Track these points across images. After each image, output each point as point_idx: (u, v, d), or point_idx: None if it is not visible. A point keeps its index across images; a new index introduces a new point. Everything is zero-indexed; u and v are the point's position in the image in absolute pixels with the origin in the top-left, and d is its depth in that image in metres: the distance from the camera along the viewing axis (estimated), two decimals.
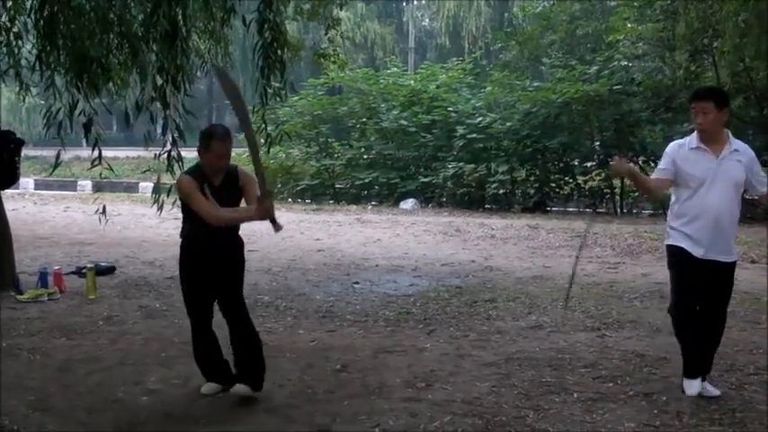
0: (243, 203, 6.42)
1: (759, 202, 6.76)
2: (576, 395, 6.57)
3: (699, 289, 6.44)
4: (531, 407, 6.35)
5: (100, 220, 7.06)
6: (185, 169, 6.47)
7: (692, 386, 6.46)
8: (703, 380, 6.54)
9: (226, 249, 6.41)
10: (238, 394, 6.39)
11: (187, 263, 6.53)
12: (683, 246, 6.40)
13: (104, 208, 6.81)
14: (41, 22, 6.71)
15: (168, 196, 6.25)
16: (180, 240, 6.56)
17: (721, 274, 6.43)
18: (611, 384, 6.84)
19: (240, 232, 6.59)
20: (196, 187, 6.28)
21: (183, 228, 6.50)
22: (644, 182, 6.96)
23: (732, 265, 6.53)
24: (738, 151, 6.32)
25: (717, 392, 6.50)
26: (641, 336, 8.60)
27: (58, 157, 5.80)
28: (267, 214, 6.18)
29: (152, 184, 6.31)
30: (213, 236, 6.34)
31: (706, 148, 6.30)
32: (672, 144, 6.62)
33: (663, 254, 14.59)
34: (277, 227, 6.27)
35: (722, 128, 6.37)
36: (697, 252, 6.32)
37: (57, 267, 11.41)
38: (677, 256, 6.48)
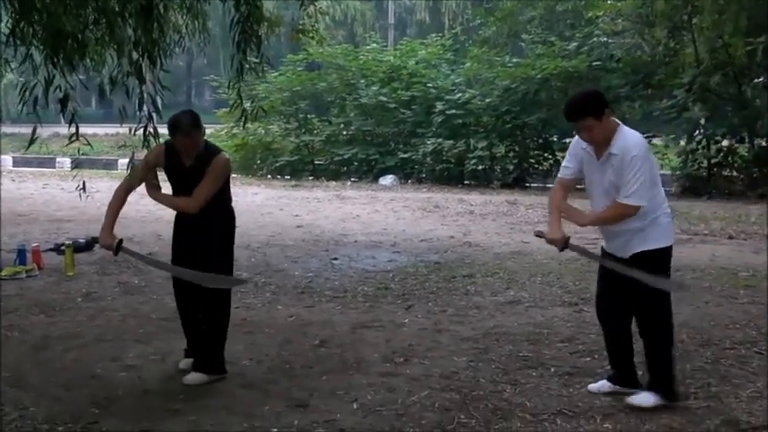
0: None
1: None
2: (553, 369, 6.62)
3: (610, 285, 6.12)
4: (509, 381, 6.39)
5: (80, 196, 7.04)
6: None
7: (595, 384, 6.20)
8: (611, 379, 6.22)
9: (189, 222, 6.45)
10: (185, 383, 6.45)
11: None
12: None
13: (84, 184, 6.77)
14: None
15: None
16: None
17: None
18: (588, 359, 6.89)
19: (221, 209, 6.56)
20: (152, 159, 6.39)
21: None
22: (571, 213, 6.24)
23: (633, 258, 5.92)
24: (615, 155, 5.73)
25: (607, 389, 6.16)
26: None
27: (33, 132, 5.76)
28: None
29: (126, 161, 6.29)
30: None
31: (591, 151, 5.90)
32: (574, 140, 6.17)
33: None
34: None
35: (607, 130, 5.82)
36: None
37: (35, 244, 11.38)
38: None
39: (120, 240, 6.44)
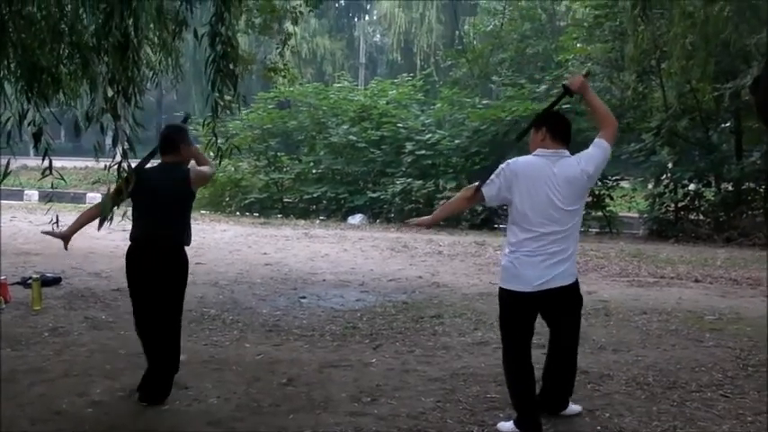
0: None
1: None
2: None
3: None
4: (476, 422, 6.40)
5: (53, 230, 7.02)
6: None
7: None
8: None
9: None
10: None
11: None
12: None
13: (57, 218, 6.75)
14: None
15: (118, 208, 6.25)
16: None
17: None
18: None
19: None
20: None
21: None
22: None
23: None
24: None
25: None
26: (585, 353, 8.64)
27: (7, 166, 5.75)
28: None
29: (100, 195, 6.30)
30: None
31: None
32: None
33: (609, 272, 14.70)
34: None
35: (532, 144, 6.42)
36: None
37: (2, 277, 11.29)
38: None
39: None
